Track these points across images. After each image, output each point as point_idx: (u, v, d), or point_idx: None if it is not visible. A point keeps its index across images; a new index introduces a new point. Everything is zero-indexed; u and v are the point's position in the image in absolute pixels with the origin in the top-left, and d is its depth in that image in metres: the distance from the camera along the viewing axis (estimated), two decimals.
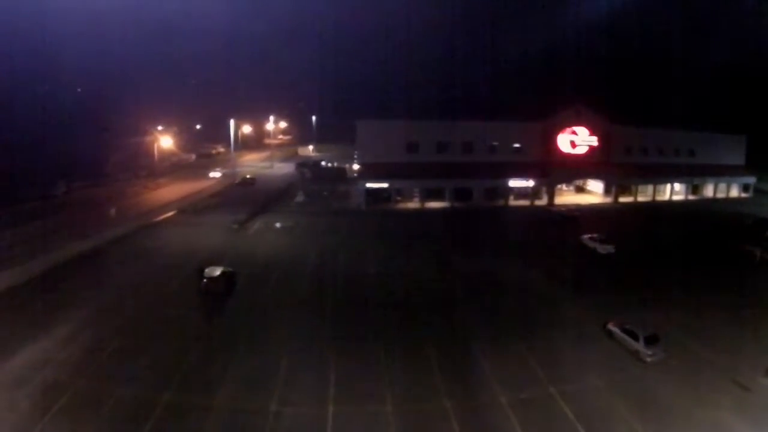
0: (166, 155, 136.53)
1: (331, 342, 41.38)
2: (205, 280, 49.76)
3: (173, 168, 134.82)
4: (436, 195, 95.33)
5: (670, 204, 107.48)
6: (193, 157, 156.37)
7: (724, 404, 34.42)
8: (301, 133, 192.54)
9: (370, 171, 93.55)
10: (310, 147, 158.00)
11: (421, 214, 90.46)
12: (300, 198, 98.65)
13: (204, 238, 69.58)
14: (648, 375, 38.12)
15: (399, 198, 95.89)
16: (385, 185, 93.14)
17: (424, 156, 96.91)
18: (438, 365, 38.51)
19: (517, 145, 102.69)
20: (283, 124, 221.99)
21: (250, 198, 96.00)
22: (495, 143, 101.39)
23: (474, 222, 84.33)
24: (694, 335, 43.94)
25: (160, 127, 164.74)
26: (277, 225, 77.62)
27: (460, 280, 56.41)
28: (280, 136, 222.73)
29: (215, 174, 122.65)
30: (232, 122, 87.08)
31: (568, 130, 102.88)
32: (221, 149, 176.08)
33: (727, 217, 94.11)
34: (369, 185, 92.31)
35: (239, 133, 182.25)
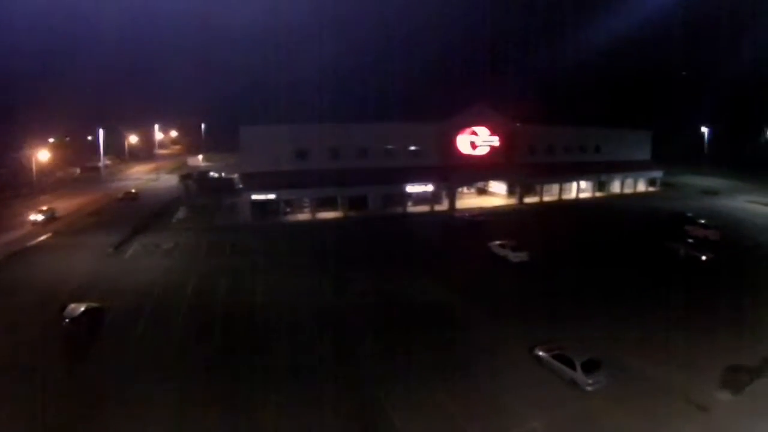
0: (50, 170, 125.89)
1: (205, 397, 33.88)
2: (66, 321, 41.76)
3: (57, 184, 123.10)
4: (329, 204, 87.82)
5: (577, 203, 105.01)
6: (78, 171, 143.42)
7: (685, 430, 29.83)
8: (192, 143, 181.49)
9: (256, 181, 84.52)
10: (200, 156, 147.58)
11: (313, 226, 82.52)
12: (181, 214, 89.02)
13: (76, 265, 60.83)
14: (592, 407, 32.57)
15: (289, 210, 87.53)
16: (272, 196, 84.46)
17: (314, 163, 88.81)
18: (336, 422, 31.26)
19: (414, 148, 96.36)
20: (174, 134, 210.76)
21: (131, 214, 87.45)
22: (391, 147, 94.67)
23: (371, 233, 77.54)
24: (635, 351, 39.14)
25: (51, 139, 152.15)
26: (156, 246, 69.18)
27: (359, 304, 49.20)
28: (174, 146, 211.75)
29: (36, 216, 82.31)
30: (101, 132, 76.41)
31: (468, 130, 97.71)
32: (108, 161, 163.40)
33: (640, 213, 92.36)
34: (254, 197, 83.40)
35: (126, 143, 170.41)
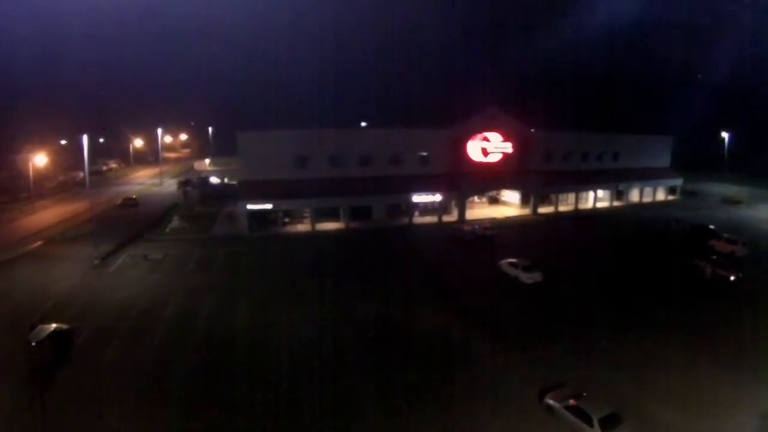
0: (52, 174, 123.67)
1: None
2: (32, 344, 38.11)
3: (59, 188, 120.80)
4: (331, 215, 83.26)
5: (595, 213, 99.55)
6: (81, 174, 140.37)
7: None
8: (200, 146, 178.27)
9: (254, 190, 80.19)
10: (207, 161, 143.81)
11: (313, 238, 77.88)
12: (176, 223, 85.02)
13: (57, 279, 57.54)
14: None
15: (288, 220, 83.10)
16: (269, 206, 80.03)
17: (315, 171, 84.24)
18: None
19: (422, 155, 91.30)
20: (184, 137, 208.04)
21: (128, 222, 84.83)
22: (396, 154, 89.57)
23: (373, 246, 72.69)
24: (660, 395, 34.43)
25: (63, 141, 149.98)
26: (144, 258, 65.87)
27: (352, 332, 44.60)
28: (183, 150, 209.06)
29: None
30: (85, 138, 71.95)
31: (479, 136, 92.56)
32: (114, 165, 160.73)
33: (661, 225, 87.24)
34: (251, 207, 79.04)
35: (131, 147, 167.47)
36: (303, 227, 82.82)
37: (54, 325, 41.00)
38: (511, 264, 59.55)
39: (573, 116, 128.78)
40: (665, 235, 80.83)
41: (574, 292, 54.81)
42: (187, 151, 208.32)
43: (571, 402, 31.66)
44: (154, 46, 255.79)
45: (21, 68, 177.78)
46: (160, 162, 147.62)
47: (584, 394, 32.78)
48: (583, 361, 39.33)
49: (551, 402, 32.62)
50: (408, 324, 46.53)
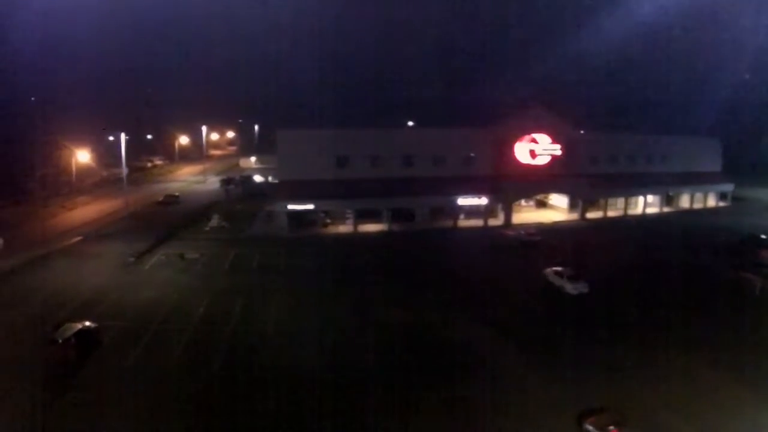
0: (95, 169, 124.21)
1: None
2: (59, 342, 38.05)
3: (101, 183, 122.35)
4: (373, 216, 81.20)
5: (644, 219, 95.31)
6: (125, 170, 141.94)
7: None
8: (247, 144, 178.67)
9: (293, 190, 79.05)
10: (252, 159, 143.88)
11: (353, 240, 76.34)
12: (215, 222, 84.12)
13: (90, 276, 57.62)
14: None
15: (329, 221, 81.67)
16: (310, 207, 78.63)
17: (356, 171, 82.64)
18: None
19: (466, 155, 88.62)
20: (230, 134, 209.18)
21: (167, 219, 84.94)
22: (439, 154, 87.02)
23: (415, 251, 70.60)
24: (703, 424, 31.77)
25: (111, 137, 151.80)
26: (179, 257, 65.18)
27: (384, 344, 42.33)
28: (230, 147, 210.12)
29: None
30: (122, 135, 71.58)
31: (527, 137, 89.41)
32: (158, 161, 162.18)
33: (711, 233, 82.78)
34: (291, 207, 77.80)
35: (177, 144, 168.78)
36: (344, 228, 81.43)
37: (80, 324, 40.79)
38: (557, 273, 56.79)
39: (619, 117, 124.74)
40: (715, 243, 76.08)
41: (619, 306, 51.60)
42: (233, 148, 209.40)
43: (612, 429, 29.69)
44: (206, 44, 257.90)
45: (69, 63, 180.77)
46: (208, 159, 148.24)
47: (624, 419, 30.80)
48: (622, 382, 36.73)
49: (590, 428, 30.54)
50: (439, 335, 44.51)
